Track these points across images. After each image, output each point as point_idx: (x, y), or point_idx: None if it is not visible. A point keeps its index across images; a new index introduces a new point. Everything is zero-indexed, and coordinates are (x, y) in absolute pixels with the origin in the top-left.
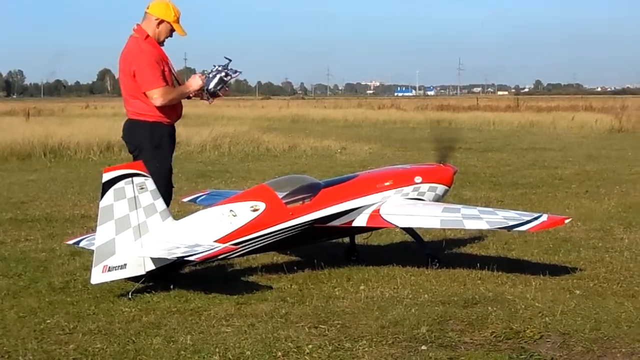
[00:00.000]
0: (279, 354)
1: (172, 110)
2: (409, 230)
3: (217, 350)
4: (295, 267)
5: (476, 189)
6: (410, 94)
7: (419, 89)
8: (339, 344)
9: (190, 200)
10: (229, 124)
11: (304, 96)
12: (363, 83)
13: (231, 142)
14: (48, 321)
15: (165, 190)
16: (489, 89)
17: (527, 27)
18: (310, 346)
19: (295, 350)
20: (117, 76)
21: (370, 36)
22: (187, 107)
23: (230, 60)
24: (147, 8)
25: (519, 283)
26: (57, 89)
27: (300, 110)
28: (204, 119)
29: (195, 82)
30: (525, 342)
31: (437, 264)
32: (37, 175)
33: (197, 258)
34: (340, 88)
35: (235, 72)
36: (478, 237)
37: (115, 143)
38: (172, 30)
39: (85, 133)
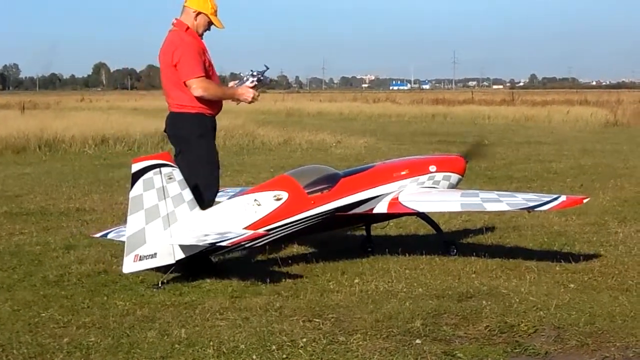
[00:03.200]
0: (273, 347)
1: (214, 102)
2: (426, 218)
3: (211, 343)
4: (289, 261)
5: (471, 182)
6: (405, 87)
7: (414, 83)
8: (333, 338)
9: None
10: (224, 117)
11: (300, 89)
12: (358, 77)
13: (226, 136)
14: (42, 315)
15: (214, 178)
16: (484, 83)
17: (522, 21)
18: (304, 340)
19: (290, 343)
20: (112, 69)
21: (365, 30)
22: None
23: (267, 69)
24: (185, 2)
25: (513, 277)
26: (52, 83)
27: (296, 103)
28: None
29: (246, 94)
30: (519, 336)
31: (455, 251)
32: (32, 168)
33: (229, 243)
34: (335, 82)
35: (270, 81)
36: (472, 230)
37: (110, 136)
38: (210, 23)
39: (81, 126)
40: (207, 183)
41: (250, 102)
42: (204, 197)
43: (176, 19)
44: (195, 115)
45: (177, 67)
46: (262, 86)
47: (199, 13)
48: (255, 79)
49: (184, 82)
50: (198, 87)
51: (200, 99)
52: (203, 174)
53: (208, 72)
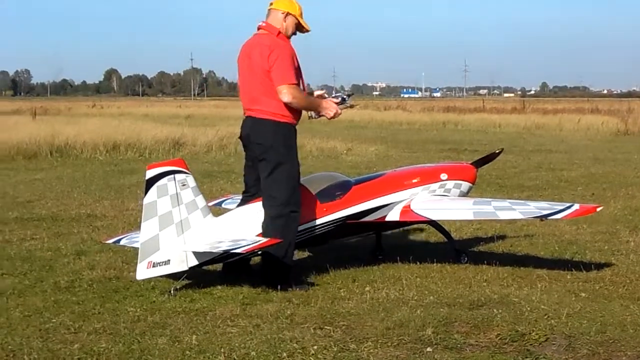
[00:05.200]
0: (284, 354)
1: (297, 111)
2: (437, 226)
3: (222, 350)
4: (300, 268)
5: (482, 191)
6: (416, 95)
7: (425, 91)
8: (344, 345)
9: (215, 204)
10: (236, 124)
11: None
12: (369, 84)
13: (237, 143)
14: (53, 320)
15: (296, 193)
16: (495, 91)
17: (533, 29)
18: (315, 347)
19: (301, 351)
20: (123, 76)
21: (376, 37)
22: (193, 107)
23: (353, 94)
24: (271, 5)
25: (524, 285)
26: (63, 88)
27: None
28: (210, 120)
29: (330, 109)
30: (530, 344)
31: (466, 259)
32: (43, 174)
33: (243, 250)
34: (346, 89)
35: (352, 106)
36: (483, 238)
37: (121, 142)
38: (298, 25)
39: (92, 132)
40: (289, 196)
41: (330, 118)
42: (283, 211)
43: (264, 22)
44: (286, 124)
45: (271, 71)
46: (344, 106)
47: (288, 14)
48: (340, 98)
49: (276, 87)
50: (288, 93)
51: (286, 107)
52: (286, 187)
53: (299, 80)
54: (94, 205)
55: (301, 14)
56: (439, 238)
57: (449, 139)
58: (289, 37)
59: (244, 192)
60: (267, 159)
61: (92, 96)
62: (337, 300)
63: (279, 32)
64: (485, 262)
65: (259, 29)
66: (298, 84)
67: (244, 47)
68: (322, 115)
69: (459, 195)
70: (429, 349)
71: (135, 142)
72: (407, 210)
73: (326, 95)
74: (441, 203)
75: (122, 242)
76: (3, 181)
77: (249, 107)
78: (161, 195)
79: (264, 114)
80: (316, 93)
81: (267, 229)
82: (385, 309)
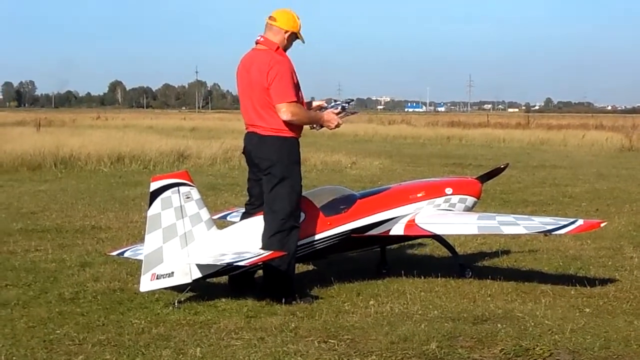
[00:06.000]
0: None
1: (299, 126)
2: (441, 240)
3: None
4: (305, 282)
5: (486, 205)
6: (420, 109)
7: (430, 105)
8: (348, 359)
9: (220, 217)
10: (240, 137)
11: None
12: (374, 98)
13: (241, 156)
14: (57, 332)
15: (298, 207)
16: (500, 106)
17: (537, 45)
18: None
19: None
20: (127, 88)
21: (381, 52)
22: (198, 120)
23: (352, 100)
24: (272, 20)
25: (528, 300)
26: (68, 100)
27: None
28: (215, 132)
29: (331, 121)
30: (534, 359)
31: (471, 274)
32: (48, 185)
33: (247, 263)
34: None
35: (354, 113)
36: (488, 253)
37: (126, 154)
38: (295, 39)
39: (96, 144)
40: (291, 210)
41: (332, 129)
42: (284, 225)
43: (262, 36)
44: (290, 139)
45: (270, 89)
46: (345, 115)
47: (290, 33)
48: (340, 107)
49: (275, 105)
50: (288, 111)
51: (286, 123)
52: (288, 201)
53: (298, 95)
54: (98, 217)
55: (300, 28)
56: (444, 252)
57: (454, 153)
58: (286, 50)
59: (247, 203)
60: (272, 173)
61: (96, 108)
62: (341, 314)
63: (278, 47)
64: (489, 276)
65: (257, 43)
66: (297, 101)
67: (242, 62)
68: (324, 126)
69: (464, 210)
70: None
71: (140, 154)
72: (411, 224)
73: (325, 105)
74: (446, 217)
75: (126, 255)
76: (7, 192)
77: (252, 122)
78: (165, 207)
79: (268, 130)
80: (315, 104)
81: (268, 243)
82: (390, 323)
